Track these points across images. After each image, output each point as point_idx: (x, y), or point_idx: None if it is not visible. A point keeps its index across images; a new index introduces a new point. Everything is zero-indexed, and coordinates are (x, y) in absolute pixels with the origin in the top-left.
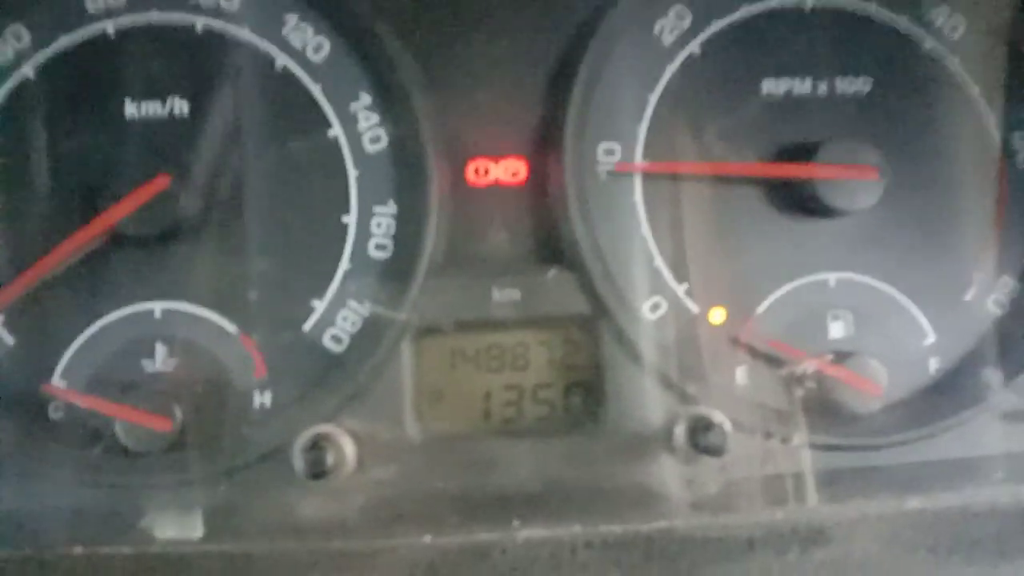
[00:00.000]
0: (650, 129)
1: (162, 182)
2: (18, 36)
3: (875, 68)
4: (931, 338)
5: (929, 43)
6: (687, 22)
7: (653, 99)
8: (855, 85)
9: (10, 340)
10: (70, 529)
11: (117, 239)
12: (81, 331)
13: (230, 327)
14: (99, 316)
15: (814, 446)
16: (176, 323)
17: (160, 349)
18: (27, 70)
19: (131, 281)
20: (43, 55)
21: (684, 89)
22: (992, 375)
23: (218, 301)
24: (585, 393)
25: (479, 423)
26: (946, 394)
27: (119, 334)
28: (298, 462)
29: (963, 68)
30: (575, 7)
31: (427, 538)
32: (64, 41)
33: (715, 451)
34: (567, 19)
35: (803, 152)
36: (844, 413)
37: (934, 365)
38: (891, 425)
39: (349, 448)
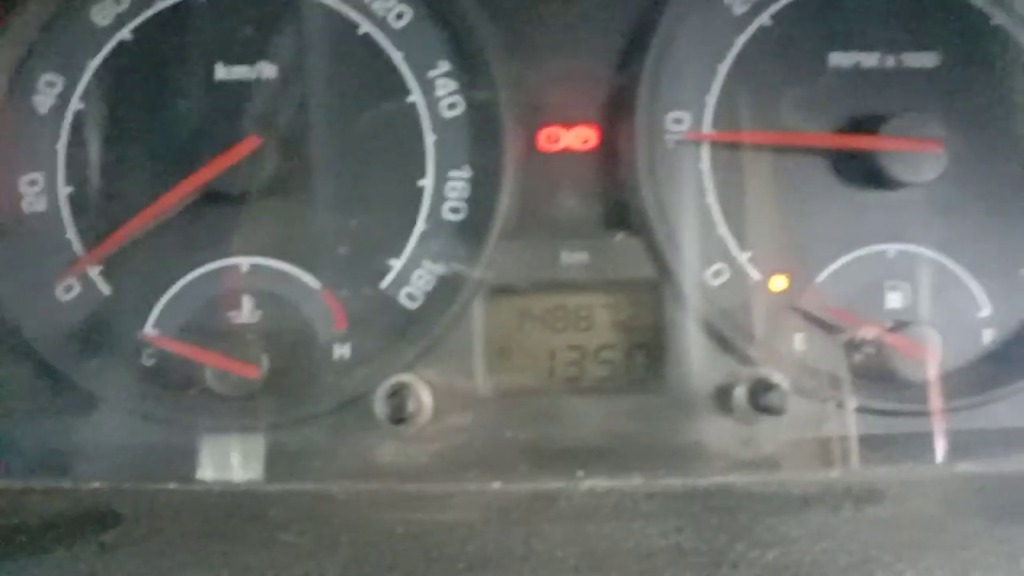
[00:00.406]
0: (719, 99)
1: (252, 142)
2: (118, 1)
3: (943, 42)
4: (987, 310)
5: (999, 18)
6: None
7: (723, 70)
8: (923, 59)
9: (107, 290)
10: (163, 465)
11: (209, 197)
12: (174, 283)
13: (313, 282)
14: (190, 269)
15: (870, 411)
16: (263, 277)
17: (247, 301)
18: (125, 32)
19: (220, 236)
20: (141, 18)
21: (753, 60)
22: None
23: (301, 257)
24: (647, 354)
25: (544, 379)
26: (999, 364)
27: (209, 286)
28: (381, 408)
29: None
30: None
31: (496, 484)
32: (159, 5)
33: (775, 410)
34: None
35: (869, 124)
36: (899, 380)
37: (988, 336)
38: (945, 393)
39: (426, 397)
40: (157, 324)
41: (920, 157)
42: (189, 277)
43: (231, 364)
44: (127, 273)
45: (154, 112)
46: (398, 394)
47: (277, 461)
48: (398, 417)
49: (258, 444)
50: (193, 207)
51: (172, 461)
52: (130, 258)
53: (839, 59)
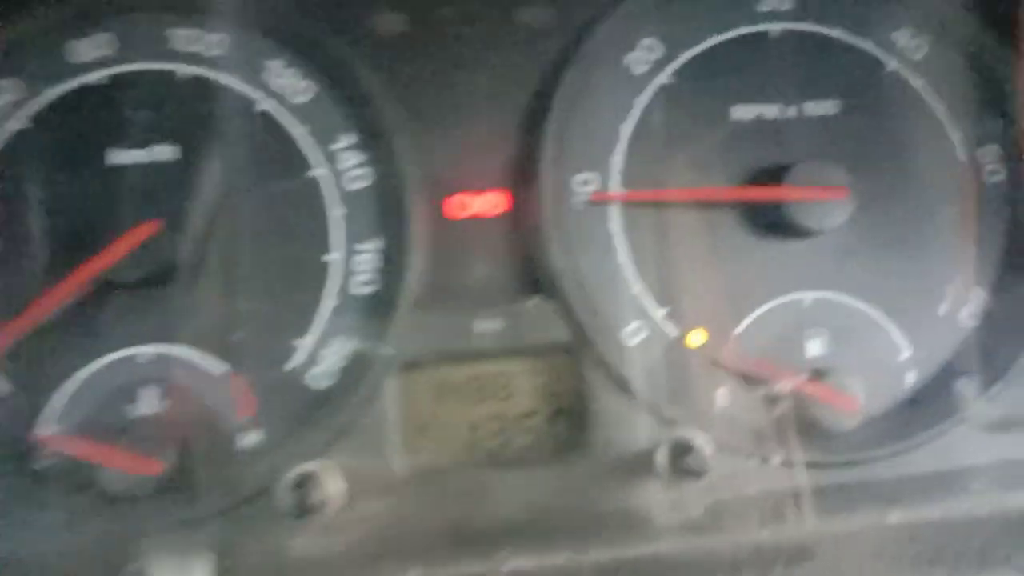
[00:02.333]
0: (625, 159)
1: (150, 227)
2: (10, 89)
3: (842, 90)
4: (907, 352)
5: (893, 64)
6: (657, 53)
7: (626, 129)
8: (823, 107)
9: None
10: None
11: (105, 285)
12: (69, 377)
13: (216, 368)
14: (87, 362)
15: (795, 464)
16: (164, 366)
17: (148, 393)
18: (20, 121)
19: (119, 326)
20: (34, 106)
21: (656, 118)
22: (967, 387)
23: (205, 343)
24: (569, 420)
25: (465, 454)
26: (923, 407)
27: (107, 379)
28: (284, 501)
29: (927, 87)
30: (548, 43)
31: (416, 572)
32: (50, 94)
33: (696, 473)
34: (540, 54)
35: (774, 175)
36: (822, 430)
37: (910, 379)
38: (870, 441)
39: (337, 484)
40: (52, 422)
41: (825, 205)
42: (86, 370)
43: (131, 461)
44: (20, 368)
45: (50, 200)
46: (302, 485)
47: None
48: (302, 510)
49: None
50: (90, 296)
51: (72, 572)
52: (24, 352)
53: (741, 112)
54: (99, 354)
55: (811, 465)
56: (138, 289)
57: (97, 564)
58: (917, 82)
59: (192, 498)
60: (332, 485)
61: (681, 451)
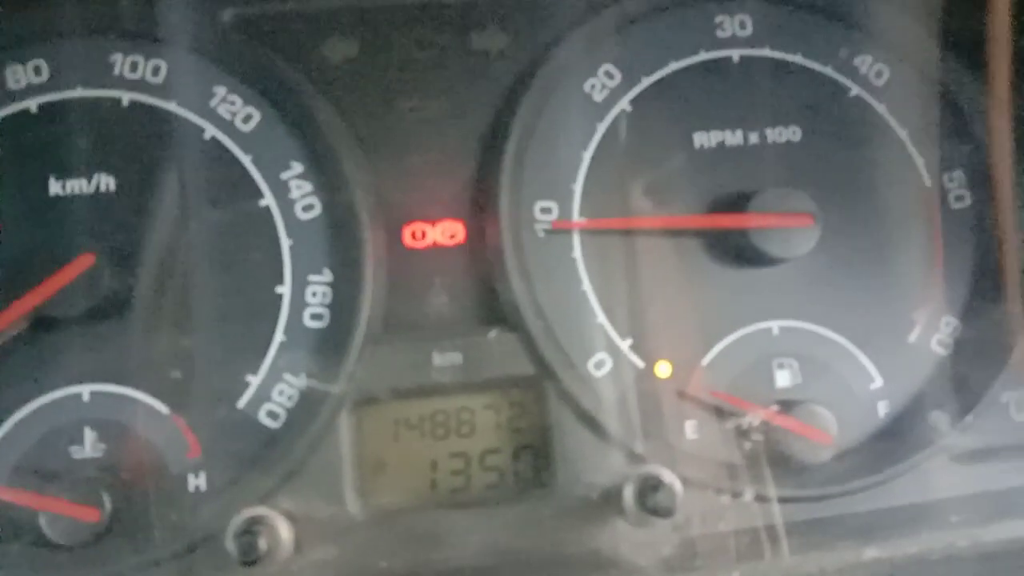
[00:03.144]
0: (585, 186)
1: (85, 261)
2: None
3: (804, 116)
4: (878, 382)
5: (855, 90)
6: (616, 80)
7: (587, 156)
8: (786, 134)
9: None
10: None
11: (43, 321)
12: (4, 419)
13: (161, 407)
14: (24, 402)
15: (766, 499)
16: (106, 406)
17: (89, 434)
18: None
19: (58, 364)
20: None
21: (617, 145)
22: (940, 417)
23: (148, 381)
24: (534, 457)
25: (425, 494)
26: (896, 439)
27: (45, 420)
28: (231, 548)
29: (890, 113)
30: (505, 69)
31: None
32: None
33: (664, 512)
34: (498, 80)
35: (737, 202)
36: (795, 464)
37: (883, 409)
38: (843, 474)
39: (285, 530)
40: None
41: (791, 232)
42: (23, 411)
43: (68, 507)
44: None
45: None
46: (249, 531)
47: None
48: (249, 558)
49: None
50: (25, 333)
51: None
52: None
53: (703, 139)
54: (38, 393)
55: (784, 500)
56: (79, 325)
57: None
58: (880, 107)
59: (136, 545)
60: (283, 529)
61: (649, 488)
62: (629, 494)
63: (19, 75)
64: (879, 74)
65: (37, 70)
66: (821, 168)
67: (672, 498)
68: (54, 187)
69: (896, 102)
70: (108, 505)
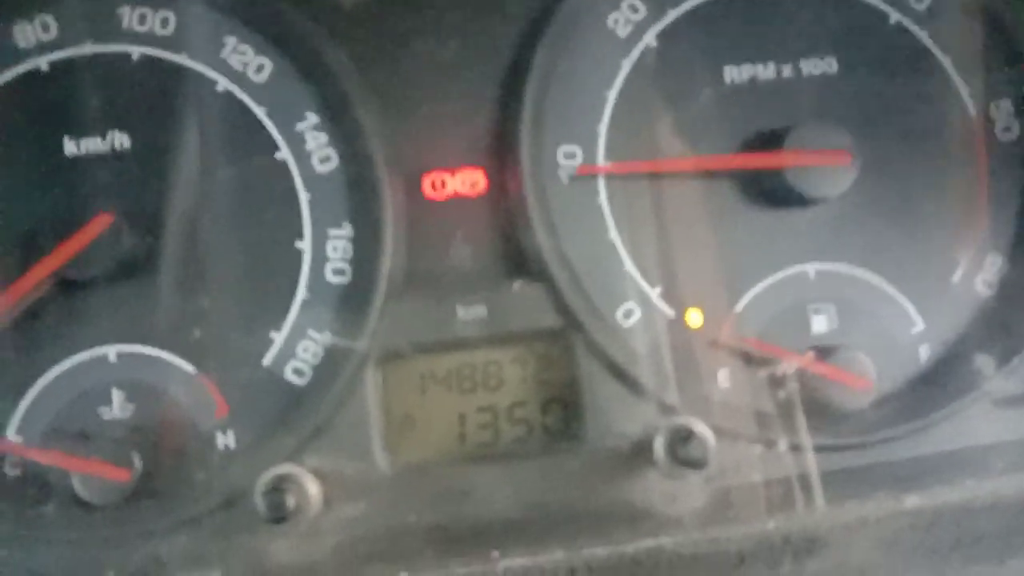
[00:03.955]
0: (611, 128)
1: (103, 221)
2: None
3: (841, 47)
4: (919, 325)
5: (895, 16)
6: (641, 13)
7: (612, 96)
8: (821, 66)
9: None
10: None
11: (63, 283)
12: (35, 382)
13: (187, 367)
14: (51, 365)
15: (803, 448)
16: (133, 367)
17: (117, 395)
18: None
19: (83, 326)
20: None
21: (643, 83)
22: (984, 361)
23: (174, 340)
24: (562, 409)
25: (454, 448)
26: (938, 384)
27: (74, 382)
28: (259, 506)
29: (933, 40)
30: (524, 6)
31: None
32: None
33: (697, 464)
34: (515, 18)
35: (772, 140)
36: (833, 411)
37: (924, 353)
38: (883, 420)
39: (313, 488)
40: (18, 430)
41: (828, 170)
42: (51, 374)
43: (100, 467)
44: None
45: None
46: (277, 489)
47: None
48: (278, 515)
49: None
50: (49, 295)
51: None
52: None
53: (734, 73)
54: (65, 355)
55: (820, 449)
56: (103, 286)
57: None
58: (921, 34)
59: (166, 504)
60: (311, 487)
61: (681, 439)
62: (660, 445)
63: (27, 32)
64: None
65: (45, 26)
66: (859, 101)
67: (704, 449)
68: (69, 147)
69: (938, 28)
70: (138, 465)
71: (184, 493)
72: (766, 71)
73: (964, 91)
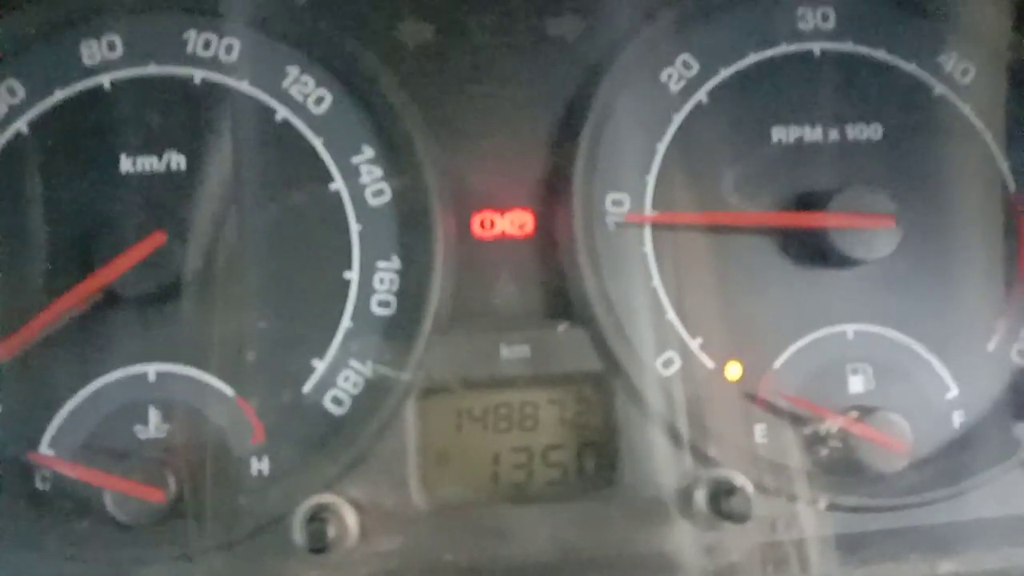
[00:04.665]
0: (659, 179)
1: (158, 239)
2: (12, 91)
3: (886, 114)
4: (954, 391)
5: (939, 88)
6: (694, 70)
7: (661, 148)
8: (866, 132)
9: None
10: None
11: (111, 298)
12: (72, 396)
13: (227, 390)
14: (91, 379)
15: (840, 508)
16: (171, 386)
17: (154, 414)
18: (21, 125)
19: (125, 342)
20: (38, 110)
21: (693, 138)
22: (1020, 429)
23: (215, 362)
24: (598, 455)
25: (487, 488)
26: (973, 450)
27: (111, 398)
28: (298, 535)
29: (975, 113)
30: (580, 56)
31: None
32: (60, 95)
33: (739, 517)
34: (572, 68)
35: (816, 200)
36: (869, 473)
37: (958, 419)
38: (919, 484)
39: (351, 519)
40: (53, 443)
41: (872, 233)
42: (89, 389)
43: (134, 487)
44: (21, 385)
45: (54, 208)
46: (317, 518)
47: None
48: (317, 545)
49: None
50: (95, 310)
51: None
52: (24, 369)
53: (781, 134)
54: (105, 371)
55: (855, 510)
56: (147, 303)
57: None
58: (965, 108)
59: (199, 528)
60: (349, 518)
61: (723, 492)
62: (701, 497)
63: (94, 50)
64: (965, 72)
65: (111, 46)
66: (902, 168)
67: (747, 503)
68: (125, 164)
69: (982, 102)
70: (172, 486)
71: (218, 517)
72: (813, 133)
73: (1004, 165)
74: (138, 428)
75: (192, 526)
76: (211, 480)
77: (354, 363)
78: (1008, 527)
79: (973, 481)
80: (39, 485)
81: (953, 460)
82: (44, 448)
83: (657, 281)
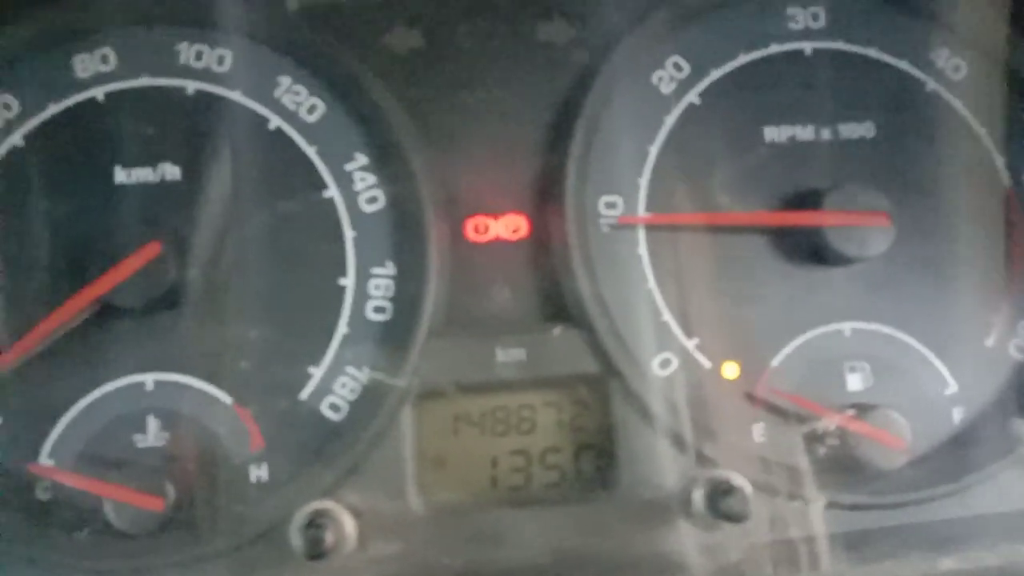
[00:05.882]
0: (652, 181)
1: (153, 249)
2: (7, 106)
3: (879, 112)
4: (953, 387)
5: (932, 85)
6: (685, 72)
7: (654, 150)
8: (859, 130)
9: None
10: None
11: (107, 309)
12: (70, 406)
13: (224, 398)
14: (89, 390)
15: (840, 506)
16: (169, 395)
17: (152, 423)
18: (15, 138)
19: (122, 352)
20: (33, 123)
21: (685, 139)
22: (1019, 424)
23: (212, 371)
24: (596, 457)
25: (485, 491)
26: (973, 446)
27: (110, 408)
28: (296, 541)
29: (968, 109)
30: (571, 60)
31: None
32: (54, 109)
33: (737, 517)
34: (563, 72)
35: (810, 199)
36: (868, 470)
37: (958, 415)
38: (918, 481)
39: (349, 525)
40: (52, 453)
41: (866, 231)
42: (87, 399)
43: (133, 496)
44: (18, 397)
45: (49, 221)
46: (315, 524)
47: None
48: (316, 551)
49: None
50: (91, 320)
51: None
52: (22, 380)
53: (773, 133)
54: (103, 381)
55: (855, 508)
56: (142, 314)
57: None
58: (957, 103)
59: (198, 535)
60: (348, 524)
61: (721, 492)
62: (699, 498)
63: (87, 63)
64: (956, 68)
65: (104, 59)
66: (895, 165)
67: (745, 503)
68: (119, 176)
69: (974, 98)
70: (171, 494)
71: (217, 525)
72: (805, 132)
73: (999, 160)
74: (137, 437)
75: (191, 534)
76: (210, 488)
77: (351, 369)
78: (1009, 523)
79: (973, 477)
80: (40, 495)
81: (953, 457)
82: (44, 458)
83: (652, 283)
